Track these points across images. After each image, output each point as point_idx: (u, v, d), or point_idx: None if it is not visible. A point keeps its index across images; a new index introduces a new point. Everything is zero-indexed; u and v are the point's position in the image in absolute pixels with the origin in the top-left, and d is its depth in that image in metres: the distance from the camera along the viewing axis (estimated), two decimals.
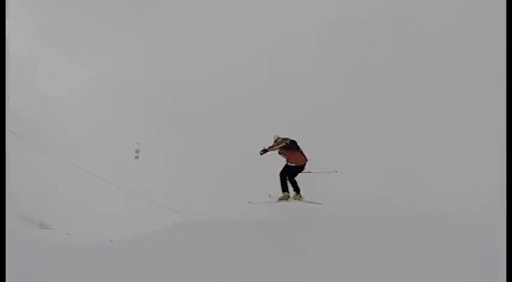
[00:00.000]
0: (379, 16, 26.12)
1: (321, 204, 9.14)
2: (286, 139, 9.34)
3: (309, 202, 9.31)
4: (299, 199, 9.25)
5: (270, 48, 27.45)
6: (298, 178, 9.42)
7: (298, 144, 9.43)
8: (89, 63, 26.54)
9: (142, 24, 28.23)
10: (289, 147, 9.25)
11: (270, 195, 9.80)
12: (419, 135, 20.75)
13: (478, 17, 22.20)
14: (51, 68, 24.65)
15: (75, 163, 17.98)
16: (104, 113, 24.37)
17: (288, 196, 9.25)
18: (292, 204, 9.30)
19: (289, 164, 9.26)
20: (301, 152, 9.34)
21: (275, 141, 9.38)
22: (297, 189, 9.34)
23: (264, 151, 9.13)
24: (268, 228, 8.11)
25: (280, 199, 9.30)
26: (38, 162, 16.54)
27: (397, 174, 17.85)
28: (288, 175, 9.29)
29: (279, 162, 9.51)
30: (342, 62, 26.07)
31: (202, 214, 15.88)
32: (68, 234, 11.77)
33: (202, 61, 27.56)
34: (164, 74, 27.33)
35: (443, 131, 20.48)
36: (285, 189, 9.24)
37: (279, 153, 9.36)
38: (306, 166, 9.35)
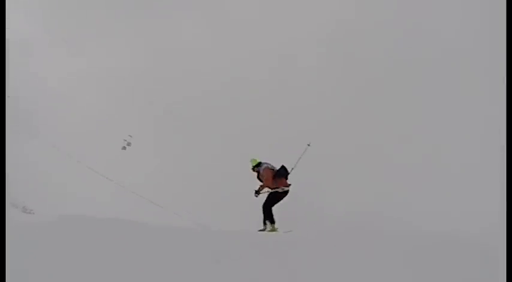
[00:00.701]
0: (381, 20, 25.99)
1: (291, 231, 7.67)
2: (267, 164, 8.30)
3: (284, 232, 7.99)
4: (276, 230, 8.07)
5: (270, 53, 27.13)
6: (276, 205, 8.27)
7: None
8: (85, 54, 26.27)
9: (142, 18, 27.97)
10: (277, 175, 8.23)
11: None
12: (419, 135, 20.83)
13: (478, 17, 22.34)
14: (45, 56, 24.38)
15: (65, 152, 17.70)
16: (97, 104, 24.02)
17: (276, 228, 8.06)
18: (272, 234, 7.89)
19: (280, 190, 8.13)
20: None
21: (254, 166, 8.40)
22: (273, 220, 8.17)
23: (258, 193, 8.18)
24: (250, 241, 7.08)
25: (270, 231, 7.97)
26: (27, 148, 16.30)
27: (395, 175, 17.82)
28: (274, 203, 8.14)
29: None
30: (344, 69, 25.99)
31: (189, 214, 15.64)
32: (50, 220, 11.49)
33: (201, 60, 27.25)
34: (162, 70, 27.02)
35: (443, 131, 20.61)
36: (273, 220, 8.09)
37: (271, 187, 8.16)
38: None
